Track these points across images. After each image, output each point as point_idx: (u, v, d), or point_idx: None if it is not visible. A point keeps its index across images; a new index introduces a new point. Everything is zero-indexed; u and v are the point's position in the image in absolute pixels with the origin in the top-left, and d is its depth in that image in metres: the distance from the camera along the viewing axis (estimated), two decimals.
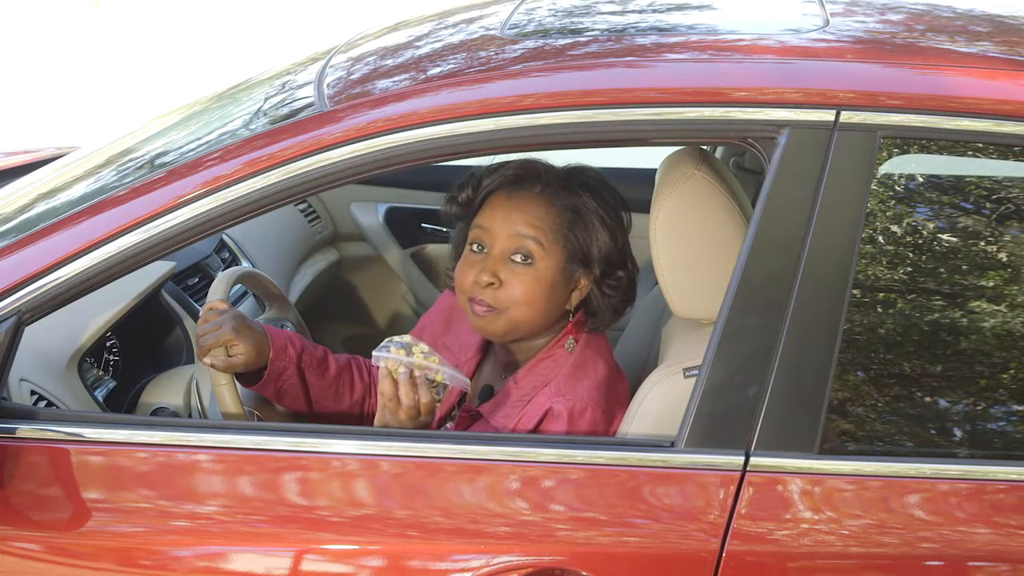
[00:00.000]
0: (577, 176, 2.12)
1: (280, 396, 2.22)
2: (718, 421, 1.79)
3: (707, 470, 1.78)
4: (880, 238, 1.84)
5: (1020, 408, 1.85)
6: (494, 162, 2.16)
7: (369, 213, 3.47)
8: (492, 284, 2.05)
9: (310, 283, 3.27)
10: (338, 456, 1.84)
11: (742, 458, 1.78)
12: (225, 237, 2.92)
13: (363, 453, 1.83)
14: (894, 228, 1.85)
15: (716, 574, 1.75)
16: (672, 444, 1.80)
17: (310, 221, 3.41)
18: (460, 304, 2.12)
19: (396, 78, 2.05)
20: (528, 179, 2.09)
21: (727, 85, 1.84)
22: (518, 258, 2.05)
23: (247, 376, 2.17)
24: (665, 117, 1.82)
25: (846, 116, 1.79)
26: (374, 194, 3.48)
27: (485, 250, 2.08)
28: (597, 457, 1.81)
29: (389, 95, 1.95)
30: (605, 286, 2.11)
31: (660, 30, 2.09)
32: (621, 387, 2.10)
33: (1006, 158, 1.85)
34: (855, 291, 1.80)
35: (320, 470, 1.83)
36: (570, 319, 2.12)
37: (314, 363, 2.24)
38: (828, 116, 1.79)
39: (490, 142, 1.86)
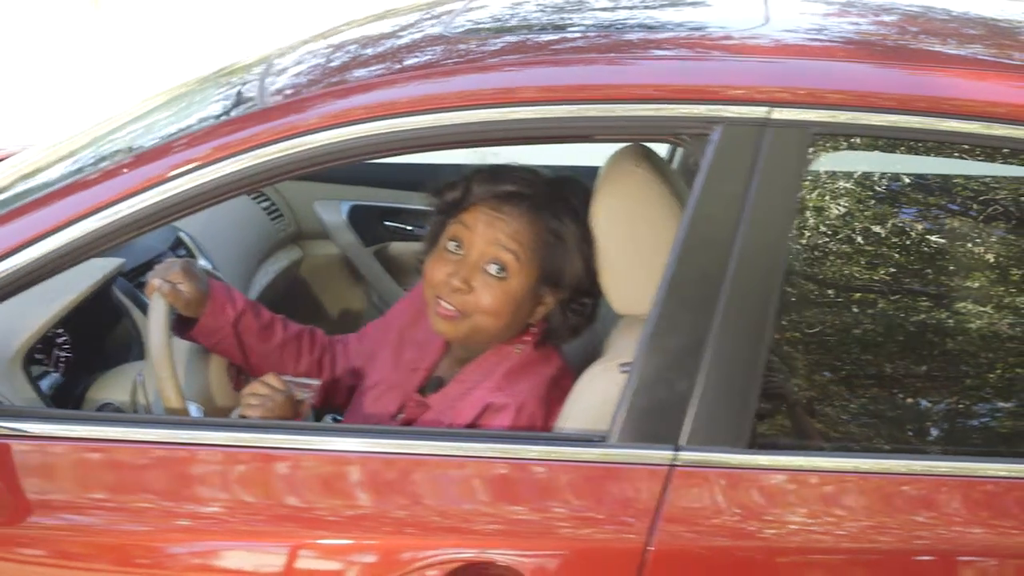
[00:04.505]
0: (567, 197, 2.12)
1: (217, 351, 2.29)
2: (648, 416, 1.80)
3: (636, 464, 1.80)
4: (811, 234, 1.85)
5: (951, 400, 1.86)
6: (486, 165, 2.16)
7: (332, 211, 3.46)
8: (461, 290, 2.06)
9: (272, 281, 3.26)
10: (277, 451, 1.85)
11: (672, 452, 1.79)
12: (182, 235, 2.92)
13: (294, 448, 1.84)
14: (825, 224, 1.86)
15: (643, 568, 1.77)
16: (603, 439, 1.82)
17: (273, 219, 3.41)
18: (425, 297, 2.14)
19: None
20: (519, 194, 2.09)
21: (659, 82, 1.85)
22: (493, 269, 2.07)
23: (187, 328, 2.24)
24: (597, 114, 1.83)
25: (777, 113, 1.80)
26: (338, 192, 3.48)
27: (462, 251, 2.09)
28: (528, 452, 1.82)
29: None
30: (569, 309, 2.13)
31: (591, 27, 2.10)
32: (564, 384, 2.10)
33: (938, 154, 1.87)
34: (786, 287, 1.82)
35: (255, 464, 1.85)
36: (528, 331, 2.14)
37: (254, 328, 2.28)
38: (760, 113, 1.80)
39: (436, 136, 1.86)
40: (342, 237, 3.47)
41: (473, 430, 2.00)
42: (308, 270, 3.56)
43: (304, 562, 1.80)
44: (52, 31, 10.67)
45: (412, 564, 1.78)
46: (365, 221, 3.48)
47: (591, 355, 2.42)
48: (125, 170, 1.91)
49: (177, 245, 2.89)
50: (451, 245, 2.10)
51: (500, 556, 1.77)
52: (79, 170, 2.04)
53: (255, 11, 11.36)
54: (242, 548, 1.82)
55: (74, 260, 1.89)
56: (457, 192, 2.12)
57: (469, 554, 1.78)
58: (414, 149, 1.93)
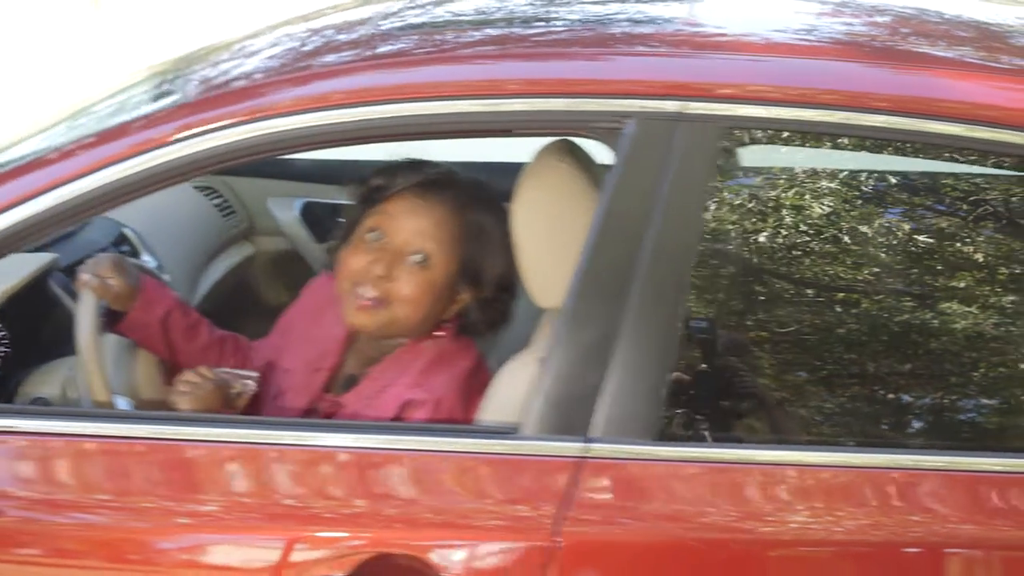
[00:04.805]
0: (489, 194, 2.14)
1: (144, 347, 2.31)
2: (559, 407, 1.81)
3: (547, 456, 1.81)
4: (723, 227, 1.86)
5: (863, 391, 1.88)
6: (409, 159, 2.18)
7: (285, 208, 3.47)
8: (384, 277, 2.07)
9: (222, 277, 3.28)
10: (192, 443, 1.87)
11: (582, 444, 1.80)
12: (127, 230, 2.92)
13: (207, 440, 1.86)
14: (736, 217, 1.88)
15: (553, 560, 1.77)
16: (515, 431, 1.83)
17: (225, 215, 3.41)
18: (340, 289, 2.14)
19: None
20: (444, 185, 2.11)
21: (572, 76, 1.87)
22: (416, 258, 2.07)
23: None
24: (508, 108, 1.84)
25: (689, 107, 1.81)
26: (291, 189, 3.49)
27: (384, 240, 2.09)
28: (439, 443, 1.84)
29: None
30: (488, 306, 2.14)
31: (509, 23, 2.12)
32: (482, 376, 2.12)
33: (852, 149, 1.88)
34: (696, 279, 1.83)
35: (179, 456, 1.86)
36: (441, 327, 2.15)
37: (181, 327, 2.31)
38: (672, 107, 1.81)
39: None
40: (295, 234, 3.48)
41: (382, 422, 2.01)
42: (260, 266, 3.57)
43: (209, 554, 1.82)
44: (52, 31, 10.66)
45: (321, 556, 1.79)
46: (318, 218, 3.49)
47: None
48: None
49: (121, 241, 2.89)
50: (371, 235, 2.11)
51: (409, 548, 1.78)
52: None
53: (255, 10, 11.33)
54: (145, 541, 1.84)
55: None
56: (381, 180, 2.13)
57: (379, 546, 1.79)
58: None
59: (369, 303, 2.08)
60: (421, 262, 2.07)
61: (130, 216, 2.92)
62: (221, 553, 1.83)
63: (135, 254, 2.93)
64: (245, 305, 3.45)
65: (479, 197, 2.13)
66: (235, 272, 3.39)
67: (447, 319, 2.15)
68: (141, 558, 1.82)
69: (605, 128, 1.85)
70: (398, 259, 2.08)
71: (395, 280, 2.07)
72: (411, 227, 2.08)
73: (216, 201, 3.40)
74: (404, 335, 2.13)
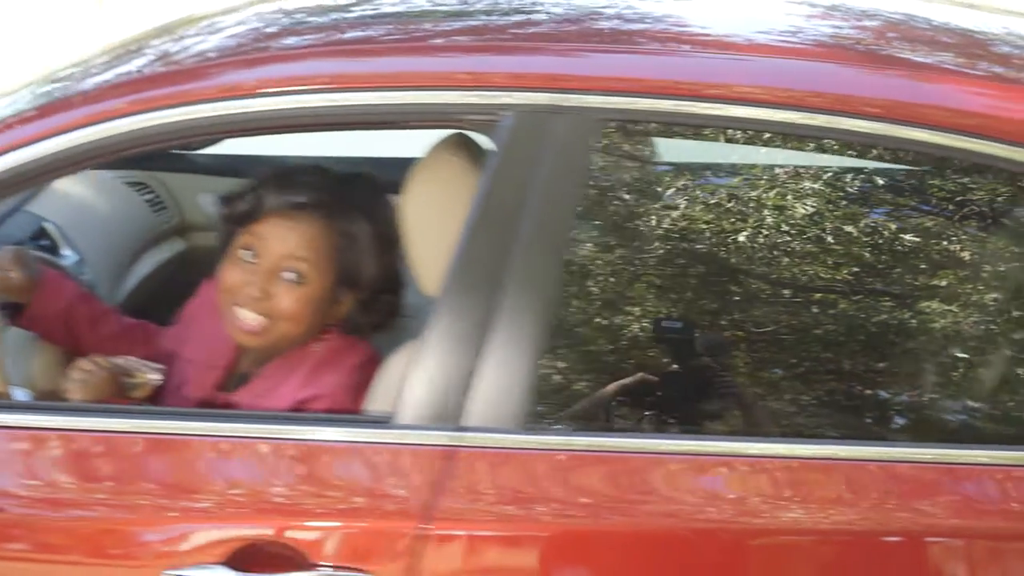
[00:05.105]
0: (358, 197, 2.14)
1: (49, 339, 2.32)
2: (432, 397, 1.83)
3: (419, 445, 1.82)
4: (596, 218, 1.89)
5: (712, 379, 1.91)
6: (275, 170, 2.18)
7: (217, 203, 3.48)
8: (260, 298, 2.09)
9: (152, 272, 3.28)
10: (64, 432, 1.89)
11: (453, 433, 1.81)
12: (47, 224, 2.92)
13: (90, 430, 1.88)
14: (612, 208, 1.90)
15: (424, 548, 1.79)
16: (388, 420, 1.84)
17: (156, 211, 3.41)
18: (221, 302, 2.15)
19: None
20: (313, 203, 2.11)
21: (448, 70, 1.88)
22: (289, 276, 2.08)
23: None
24: (387, 101, 1.86)
25: (565, 99, 1.82)
26: (223, 185, 3.48)
27: (256, 259, 2.10)
28: (315, 432, 1.85)
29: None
30: (370, 306, 2.16)
31: (384, 18, 2.14)
32: (373, 371, 2.12)
33: (729, 141, 1.91)
34: (568, 271, 1.85)
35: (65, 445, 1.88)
36: (328, 330, 2.16)
37: (86, 319, 2.32)
38: (547, 100, 1.83)
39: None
40: None
41: (255, 411, 2.02)
42: (193, 262, 3.56)
43: (86, 543, 1.84)
44: (55, 30, 10.63)
45: (196, 545, 1.81)
46: None
47: None
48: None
49: (40, 235, 2.90)
50: (244, 252, 2.11)
51: (281, 535, 1.80)
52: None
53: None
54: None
55: None
56: (247, 204, 2.13)
57: (251, 533, 1.80)
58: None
59: (252, 328, 2.09)
60: (295, 280, 2.08)
61: (52, 210, 2.93)
62: (97, 542, 1.84)
63: (55, 248, 2.93)
64: (177, 300, 3.45)
65: (350, 205, 2.12)
66: (166, 267, 3.39)
67: (332, 323, 2.16)
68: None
69: (483, 120, 1.87)
70: (272, 278, 2.08)
71: (272, 298, 2.08)
72: (281, 250, 2.08)
73: (147, 196, 3.40)
74: (291, 345, 2.14)
